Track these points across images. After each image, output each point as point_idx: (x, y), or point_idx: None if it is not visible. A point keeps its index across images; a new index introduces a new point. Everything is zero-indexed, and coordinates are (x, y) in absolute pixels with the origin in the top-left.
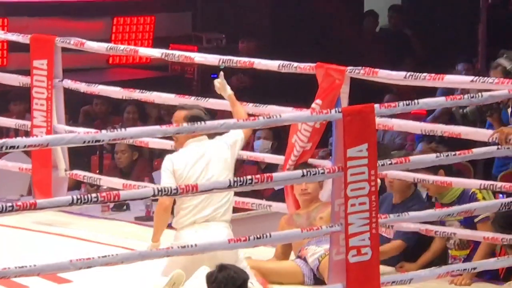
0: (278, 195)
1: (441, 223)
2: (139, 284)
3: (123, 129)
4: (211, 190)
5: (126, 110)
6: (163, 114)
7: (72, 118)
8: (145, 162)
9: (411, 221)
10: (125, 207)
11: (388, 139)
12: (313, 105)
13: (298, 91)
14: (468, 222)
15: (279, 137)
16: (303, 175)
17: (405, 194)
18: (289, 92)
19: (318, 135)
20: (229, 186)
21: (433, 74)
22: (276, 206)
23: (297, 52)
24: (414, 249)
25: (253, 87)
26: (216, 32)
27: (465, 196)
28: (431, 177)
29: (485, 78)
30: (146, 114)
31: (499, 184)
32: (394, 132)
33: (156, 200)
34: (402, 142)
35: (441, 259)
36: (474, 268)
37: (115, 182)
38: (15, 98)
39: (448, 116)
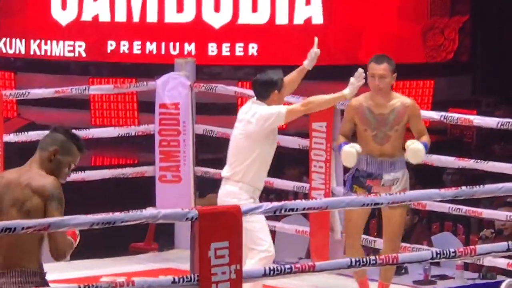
0: None
1: None
2: None
3: (402, 193)
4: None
5: None
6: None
7: None
8: (423, 226)
9: None
10: (403, 271)
11: None
12: None
13: None
14: None
15: None
16: None
17: None
18: None
19: None
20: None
21: None
22: None
23: None
24: None
25: None
26: (496, 96)
27: None
28: None
29: None
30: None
31: None
32: None
33: (435, 263)
34: None
35: None
36: None
37: None
38: (289, 162)
39: None
